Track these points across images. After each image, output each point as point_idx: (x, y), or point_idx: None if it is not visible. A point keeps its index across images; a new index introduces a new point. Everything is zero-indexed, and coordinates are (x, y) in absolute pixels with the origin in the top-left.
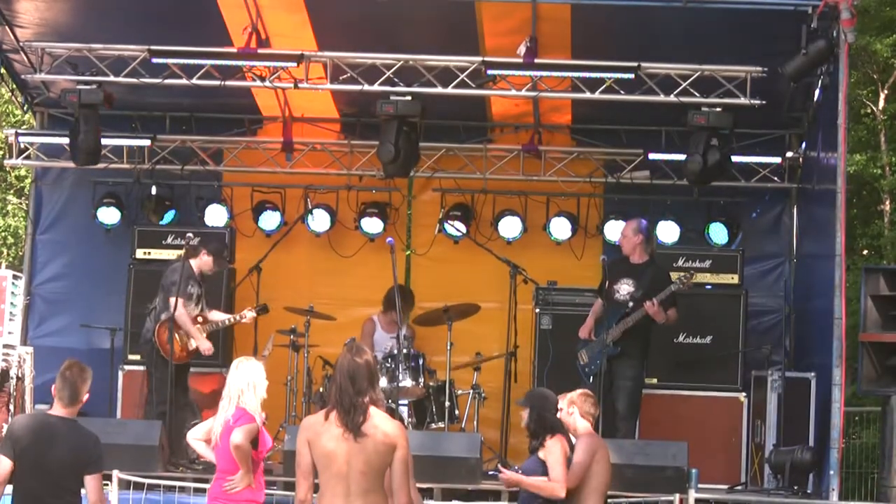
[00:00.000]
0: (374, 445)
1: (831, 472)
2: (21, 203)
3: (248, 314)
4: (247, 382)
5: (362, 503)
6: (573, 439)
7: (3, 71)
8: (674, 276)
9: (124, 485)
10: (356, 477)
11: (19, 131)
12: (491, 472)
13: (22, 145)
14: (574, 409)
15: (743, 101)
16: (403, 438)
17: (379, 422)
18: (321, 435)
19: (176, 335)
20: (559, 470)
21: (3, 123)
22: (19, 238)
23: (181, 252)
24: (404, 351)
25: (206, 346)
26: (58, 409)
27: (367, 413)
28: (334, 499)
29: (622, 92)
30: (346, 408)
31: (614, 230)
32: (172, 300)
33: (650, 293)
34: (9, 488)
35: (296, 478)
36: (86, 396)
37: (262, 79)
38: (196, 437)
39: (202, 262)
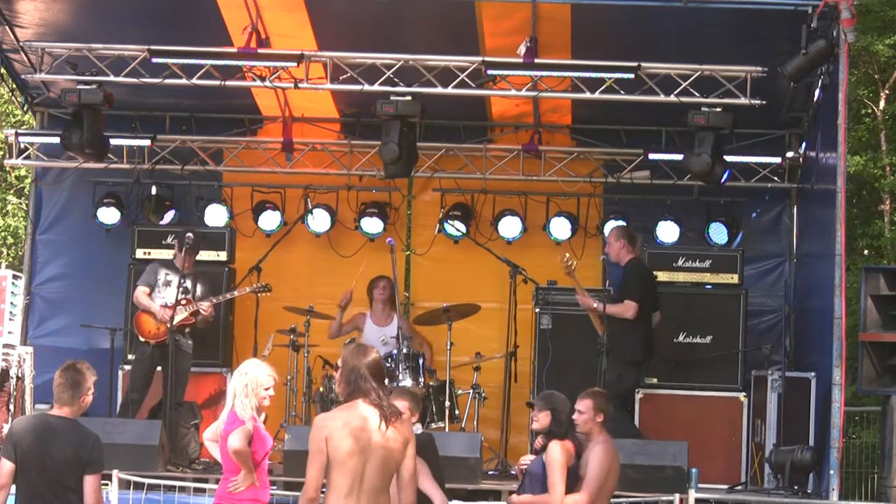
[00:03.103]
0: (388, 442)
1: (831, 472)
2: (21, 203)
3: (236, 291)
4: (242, 385)
5: (372, 500)
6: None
7: (3, 71)
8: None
9: (124, 485)
10: (370, 473)
11: (19, 131)
12: (491, 472)
13: (22, 145)
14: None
15: (743, 101)
16: (413, 437)
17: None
18: (338, 431)
19: (152, 317)
20: (559, 488)
21: (3, 123)
22: (19, 238)
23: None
24: (404, 351)
25: (158, 310)
26: (57, 410)
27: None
28: (343, 495)
29: (622, 92)
30: (378, 400)
31: None
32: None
33: (618, 289)
34: (12, 489)
35: (306, 473)
36: (89, 397)
37: (262, 79)
38: (208, 439)
39: (177, 256)
